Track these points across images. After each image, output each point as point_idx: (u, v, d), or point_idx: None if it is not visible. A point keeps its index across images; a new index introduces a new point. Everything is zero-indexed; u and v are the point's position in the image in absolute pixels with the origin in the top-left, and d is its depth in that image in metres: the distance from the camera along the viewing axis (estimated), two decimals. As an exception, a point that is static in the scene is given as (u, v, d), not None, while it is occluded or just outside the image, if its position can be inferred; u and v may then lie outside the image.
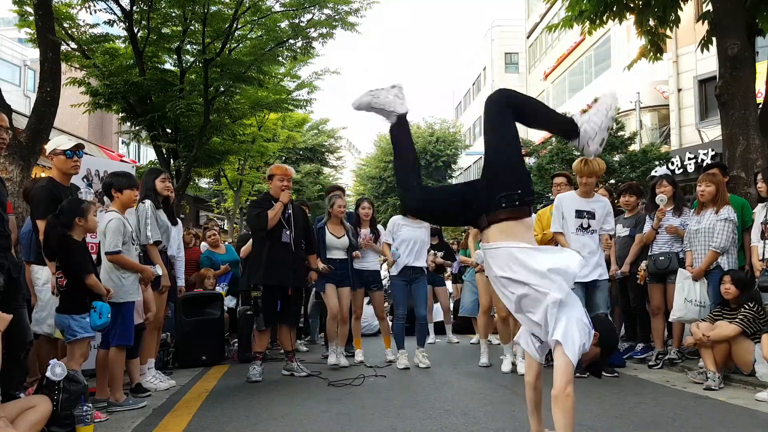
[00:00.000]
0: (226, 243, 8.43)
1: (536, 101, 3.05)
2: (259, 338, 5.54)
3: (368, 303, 7.14)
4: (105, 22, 11.00)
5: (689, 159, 15.85)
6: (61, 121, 9.67)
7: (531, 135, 19.74)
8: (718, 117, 7.31)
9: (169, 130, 12.16)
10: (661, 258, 5.60)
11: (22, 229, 4.75)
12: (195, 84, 11.74)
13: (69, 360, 3.78)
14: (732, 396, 4.36)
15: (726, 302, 4.89)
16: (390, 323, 6.50)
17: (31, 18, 9.11)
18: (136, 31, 10.57)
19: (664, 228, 5.63)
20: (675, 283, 5.29)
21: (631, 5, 7.89)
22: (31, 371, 4.26)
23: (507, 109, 2.69)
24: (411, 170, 2.76)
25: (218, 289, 7.05)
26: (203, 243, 7.90)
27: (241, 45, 11.91)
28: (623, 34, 18.15)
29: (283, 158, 23.98)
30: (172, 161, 12.12)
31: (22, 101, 24.64)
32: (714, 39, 7.19)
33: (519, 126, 2.74)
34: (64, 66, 8.73)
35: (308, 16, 11.41)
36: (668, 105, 18.63)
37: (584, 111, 2.76)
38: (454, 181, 30.93)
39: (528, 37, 31.12)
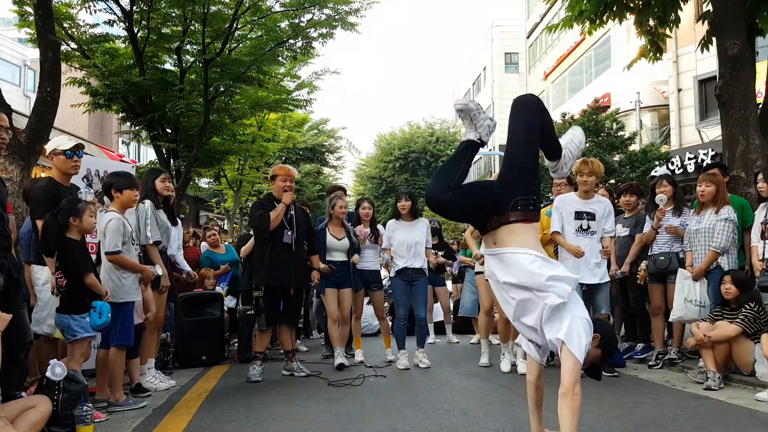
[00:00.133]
0: (226, 243, 8.43)
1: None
2: (259, 338, 5.54)
3: (368, 303, 7.14)
4: (105, 22, 11.01)
5: (689, 159, 15.86)
6: (61, 121, 9.68)
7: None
8: (718, 117, 7.30)
9: (169, 130, 12.16)
10: (661, 258, 5.60)
11: (22, 229, 4.74)
12: (195, 84, 11.74)
13: (69, 360, 3.78)
14: (732, 396, 4.36)
15: (726, 302, 4.89)
16: (390, 323, 6.51)
17: (31, 18, 9.11)
18: (136, 31, 10.57)
19: (664, 228, 5.63)
20: (675, 283, 5.29)
21: (631, 5, 7.88)
22: (31, 371, 4.25)
23: (540, 114, 2.81)
24: (451, 179, 2.71)
25: (218, 289, 7.05)
26: (203, 243, 7.91)
27: (241, 45, 11.91)
28: (623, 34, 18.15)
29: (283, 158, 24.00)
30: (172, 161, 12.12)
31: (22, 101, 24.65)
32: (714, 39, 7.19)
33: None
34: (64, 66, 8.73)
35: (308, 16, 11.42)
36: (668, 105, 18.63)
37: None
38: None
39: (528, 37, 31.11)
